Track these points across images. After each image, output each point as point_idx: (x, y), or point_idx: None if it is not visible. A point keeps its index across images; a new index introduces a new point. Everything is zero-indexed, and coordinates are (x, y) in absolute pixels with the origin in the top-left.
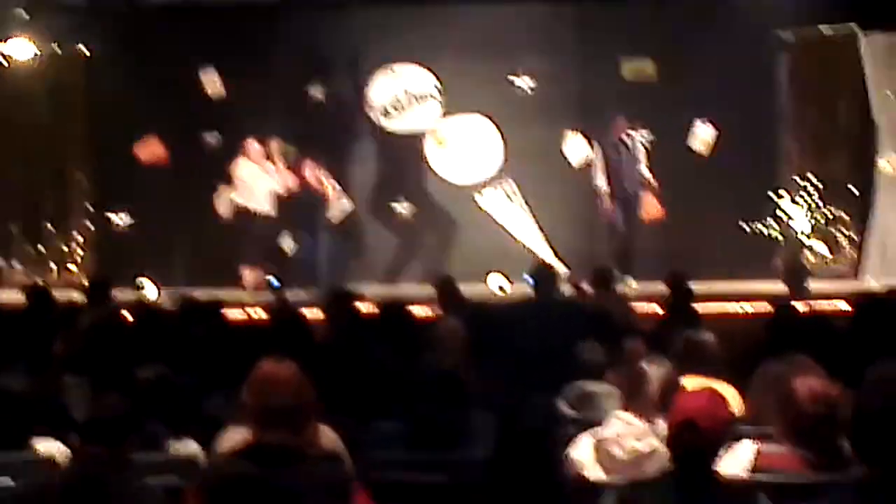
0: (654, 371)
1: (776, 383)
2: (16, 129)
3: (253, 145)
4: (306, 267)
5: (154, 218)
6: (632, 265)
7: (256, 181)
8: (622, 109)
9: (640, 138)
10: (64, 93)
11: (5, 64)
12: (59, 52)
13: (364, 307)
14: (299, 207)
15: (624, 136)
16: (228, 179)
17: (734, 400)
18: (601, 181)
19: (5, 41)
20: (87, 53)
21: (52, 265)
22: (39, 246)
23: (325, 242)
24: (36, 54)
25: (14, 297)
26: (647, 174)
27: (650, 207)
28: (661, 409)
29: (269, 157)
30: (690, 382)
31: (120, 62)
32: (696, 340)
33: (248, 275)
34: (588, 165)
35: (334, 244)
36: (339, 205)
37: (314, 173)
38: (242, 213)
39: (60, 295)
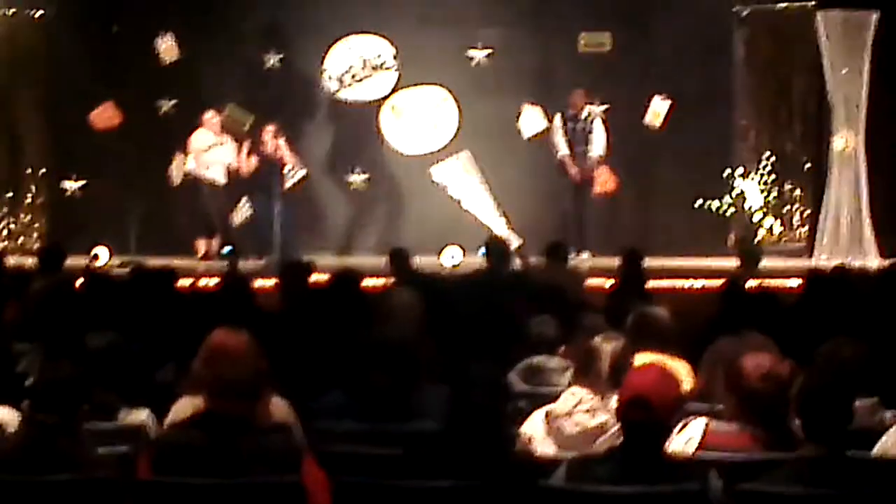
0: (607, 346)
1: (726, 360)
2: None
3: (209, 115)
4: (260, 235)
5: (108, 185)
6: (585, 238)
7: (212, 151)
8: (578, 83)
9: (597, 111)
10: (18, 56)
11: None
12: (14, 14)
13: (317, 277)
14: (256, 174)
15: (582, 110)
16: (183, 148)
17: (686, 376)
18: (563, 149)
19: None
20: (43, 16)
21: (5, 231)
22: None
23: (280, 210)
24: None
25: None
26: (601, 149)
27: (605, 181)
28: (612, 385)
29: (224, 126)
30: (642, 358)
31: (76, 26)
32: (648, 316)
33: (201, 243)
34: (542, 137)
35: (288, 212)
36: (294, 172)
37: (273, 139)
38: (196, 182)
39: (12, 261)
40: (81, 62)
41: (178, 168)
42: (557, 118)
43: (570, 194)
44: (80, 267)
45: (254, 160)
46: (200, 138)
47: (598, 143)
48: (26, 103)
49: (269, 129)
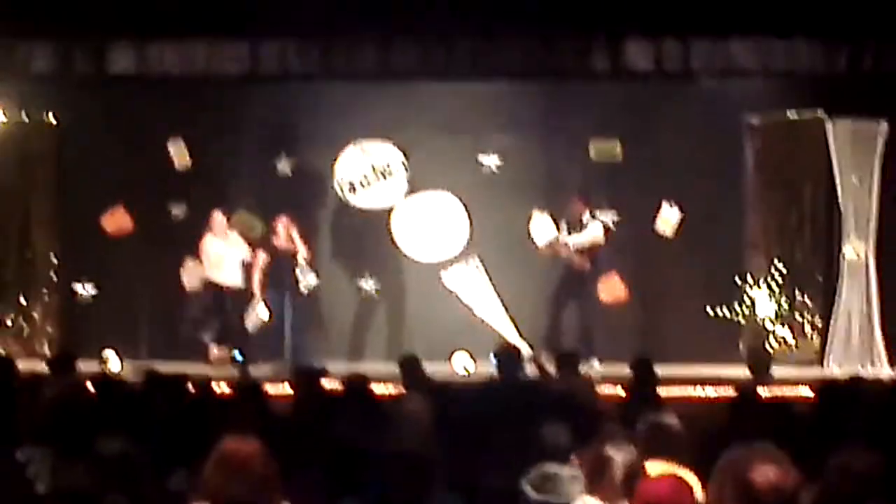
0: (619, 455)
1: (735, 472)
2: None
3: (218, 219)
4: (272, 339)
5: (119, 290)
6: (595, 347)
7: (223, 255)
8: (588, 190)
9: (591, 218)
10: (31, 161)
11: None
12: (28, 120)
13: (328, 383)
14: (269, 270)
15: (582, 215)
16: (195, 252)
17: (696, 487)
18: (573, 256)
19: None
20: (56, 122)
21: (16, 336)
22: (4, 315)
23: (292, 313)
24: (3, 122)
25: None
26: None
27: (615, 289)
28: (625, 495)
29: (235, 229)
30: (654, 468)
31: (88, 131)
32: (660, 425)
33: (214, 349)
34: (552, 246)
35: (299, 316)
36: (306, 274)
37: (287, 231)
38: (208, 287)
39: (24, 366)
40: (93, 167)
41: (191, 273)
42: (563, 226)
43: (579, 302)
44: (92, 372)
45: (265, 257)
46: (210, 243)
47: (589, 234)
48: (39, 208)
49: (282, 221)
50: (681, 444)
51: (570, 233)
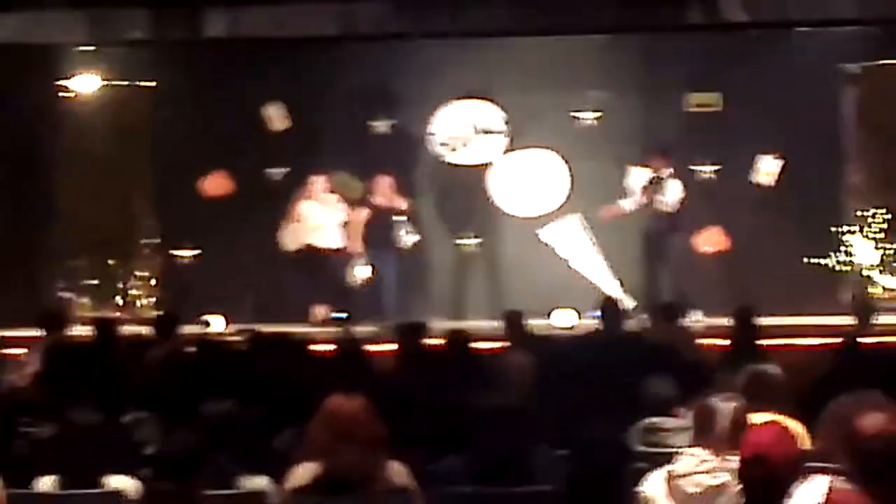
0: (724, 406)
1: (842, 421)
2: (83, 164)
3: (316, 182)
4: (374, 298)
5: (221, 253)
6: (693, 298)
7: (322, 218)
8: (686, 143)
9: (670, 175)
10: (130, 127)
11: (73, 98)
12: (125, 86)
13: (431, 341)
14: (371, 228)
15: (660, 171)
16: (294, 216)
17: (802, 436)
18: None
19: (72, 77)
20: (153, 87)
21: (120, 300)
22: (107, 281)
23: (394, 271)
24: (102, 89)
25: (82, 331)
26: (674, 209)
27: (717, 241)
28: (731, 445)
29: (334, 191)
30: (760, 417)
31: (185, 96)
32: (761, 374)
33: (316, 310)
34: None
35: (401, 276)
36: (407, 232)
37: (387, 189)
38: (309, 249)
39: (128, 330)
40: (190, 132)
41: (292, 235)
42: (644, 180)
43: (677, 254)
44: (195, 335)
45: (365, 215)
46: (308, 207)
47: (670, 195)
48: (137, 174)
49: (383, 179)
50: (782, 393)
51: (650, 189)
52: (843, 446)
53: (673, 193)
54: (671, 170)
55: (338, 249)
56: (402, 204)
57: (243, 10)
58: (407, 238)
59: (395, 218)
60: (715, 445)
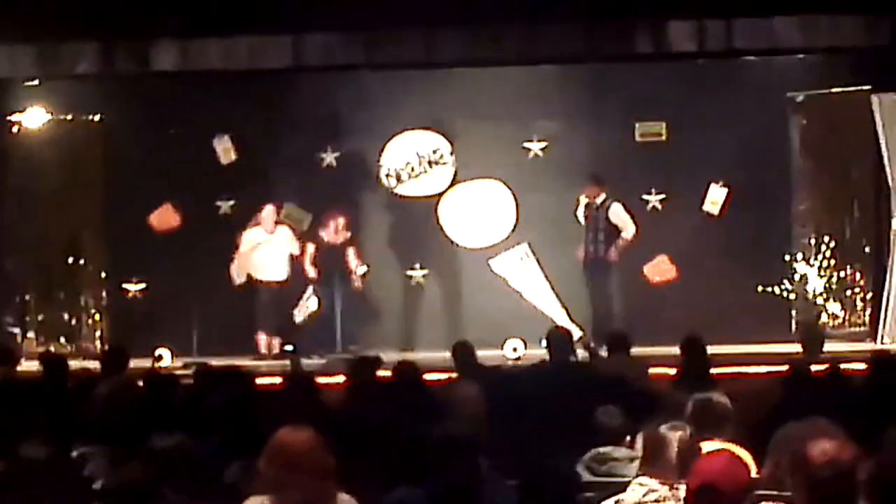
0: (673, 435)
1: (791, 448)
2: (31, 198)
3: (265, 214)
4: (323, 333)
5: (169, 286)
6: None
7: (268, 250)
8: (635, 172)
9: (610, 202)
10: (78, 161)
11: (20, 133)
12: (74, 119)
13: (381, 373)
14: (320, 266)
15: (596, 198)
16: (239, 246)
17: (751, 464)
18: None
19: (21, 111)
20: (101, 120)
21: (68, 335)
22: (55, 315)
23: (342, 305)
24: (50, 122)
25: (31, 367)
26: (628, 232)
27: (664, 270)
28: (680, 474)
29: (282, 223)
30: (708, 446)
31: (133, 129)
32: (709, 403)
33: (264, 342)
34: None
35: (351, 308)
36: (356, 264)
37: (335, 223)
38: (257, 281)
39: (76, 364)
40: (139, 165)
41: (239, 268)
42: (581, 212)
43: (611, 284)
44: (143, 369)
45: (314, 249)
46: (253, 237)
47: (625, 229)
48: (86, 207)
49: (339, 220)
50: (731, 421)
51: (586, 216)
52: (792, 474)
53: (616, 217)
54: (604, 195)
55: (285, 281)
56: (351, 237)
57: (192, 42)
58: (356, 271)
59: (343, 252)
60: (664, 474)
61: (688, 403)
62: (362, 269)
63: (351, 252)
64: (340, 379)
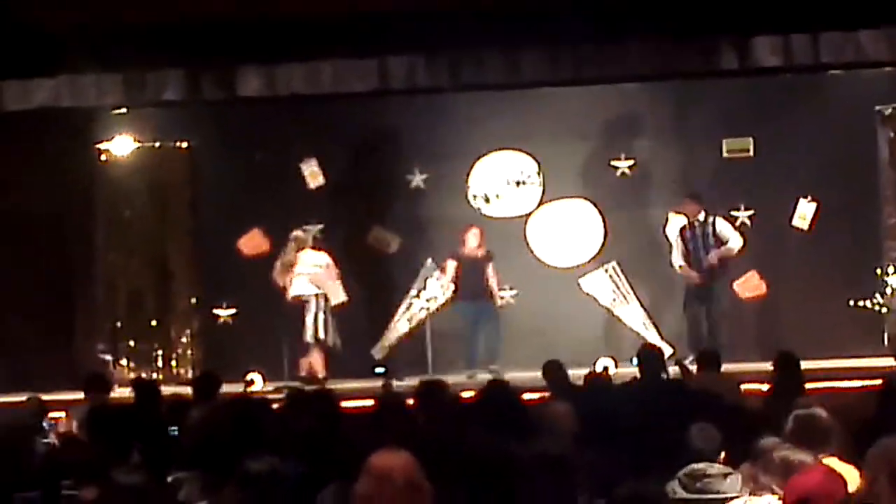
0: (771, 450)
1: (888, 461)
2: (120, 226)
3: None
4: (414, 354)
5: (259, 311)
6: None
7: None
8: (723, 189)
9: (713, 219)
10: (167, 187)
11: (108, 161)
12: (161, 147)
13: (470, 393)
14: (458, 284)
15: (697, 216)
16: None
17: (850, 477)
18: (678, 261)
19: (109, 140)
20: (188, 147)
21: (159, 361)
22: (147, 341)
23: (485, 324)
24: (138, 150)
25: (123, 394)
26: (736, 245)
27: (755, 286)
28: (779, 489)
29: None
30: (809, 461)
31: (221, 155)
32: (808, 417)
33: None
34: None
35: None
36: (495, 282)
37: (474, 236)
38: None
39: (168, 390)
40: (227, 191)
41: (331, 290)
42: (676, 235)
43: (716, 300)
44: (235, 394)
45: (454, 267)
46: (304, 258)
47: (731, 240)
48: (175, 233)
49: (476, 231)
50: (830, 435)
51: (683, 237)
52: (888, 486)
53: (724, 231)
54: (703, 214)
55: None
56: (488, 252)
57: (277, 67)
58: (499, 292)
59: (484, 266)
60: (762, 490)
61: (787, 419)
62: (510, 293)
63: (490, 267)
64: (430, 400)
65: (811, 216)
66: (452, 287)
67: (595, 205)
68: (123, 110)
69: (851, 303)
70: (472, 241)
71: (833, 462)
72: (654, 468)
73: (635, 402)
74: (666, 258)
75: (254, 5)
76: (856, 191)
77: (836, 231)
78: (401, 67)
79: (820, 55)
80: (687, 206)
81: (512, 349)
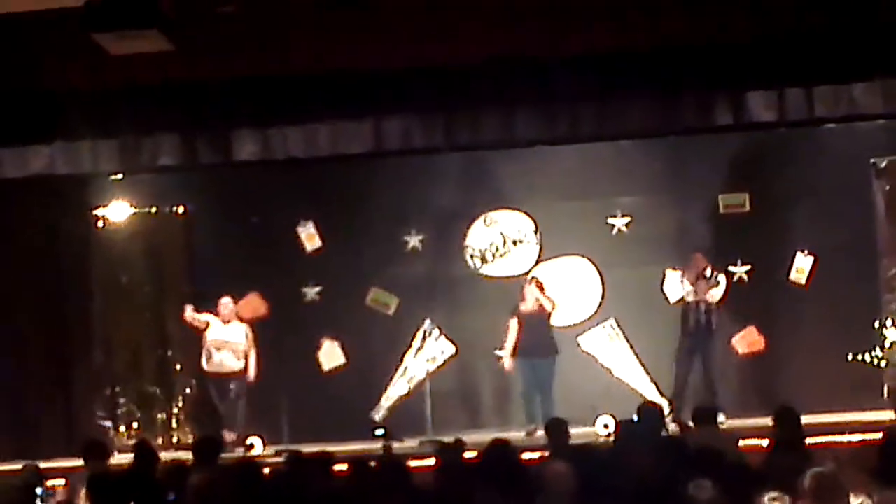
0: None
1: None
2: (117, 291)
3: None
4: (413, 416)
5: (258, 375)
6: (715, 398)
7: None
8: (719, 244)
9: (717, 274)
10: (163, 252)
11: (105, 227)
12: (157, 212)
13: (470, 453)
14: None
15: (705, 270)
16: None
17: None
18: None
19: (106, 205)
20: (185, 212)
21: (159, 426)
22: (146, 407)
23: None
24: (135, 215)
25: (123, 460)
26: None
27: (753, 342)
28: None
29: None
30: None
31: (217, 219)
32: (826, 477)
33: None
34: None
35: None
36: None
37: (537, 291)
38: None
39: (168, 456)
40: (224, 255)
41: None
42: (686, 285)
43: (714, 355)
44: (235, 458)
45: (516, 325)
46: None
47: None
48: (173, 299)
49: (534, 286)
50: (846, 494)
51: (695, 289)
52: None
53: (720, 291)
54: (711, 268)
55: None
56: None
57: (272, 130)
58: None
59: (548, 319)
60: None
61: (804, 477)
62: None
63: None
64: (432, 462)
65: (808, 270)
66: (512, 346)
67: (592, 262)
68: (119, 176)
69: (850, 356)
70: (531, 298)
71: None
72: None
73: (634, 460)
74: (663, 315)
75: (247, 68)
76: (853, 244)
77: (834, 284)
78: (396, 128)
79: (814, 109)
80: (697, 261)
81: (513, 408)
